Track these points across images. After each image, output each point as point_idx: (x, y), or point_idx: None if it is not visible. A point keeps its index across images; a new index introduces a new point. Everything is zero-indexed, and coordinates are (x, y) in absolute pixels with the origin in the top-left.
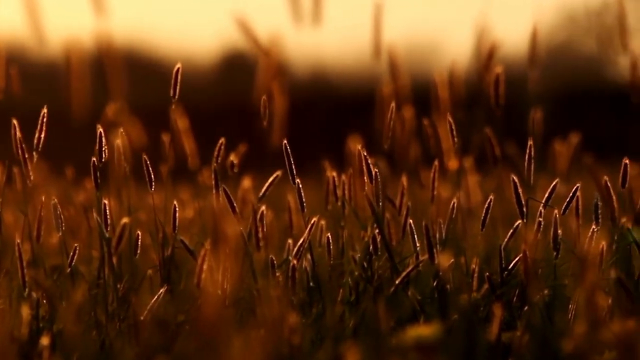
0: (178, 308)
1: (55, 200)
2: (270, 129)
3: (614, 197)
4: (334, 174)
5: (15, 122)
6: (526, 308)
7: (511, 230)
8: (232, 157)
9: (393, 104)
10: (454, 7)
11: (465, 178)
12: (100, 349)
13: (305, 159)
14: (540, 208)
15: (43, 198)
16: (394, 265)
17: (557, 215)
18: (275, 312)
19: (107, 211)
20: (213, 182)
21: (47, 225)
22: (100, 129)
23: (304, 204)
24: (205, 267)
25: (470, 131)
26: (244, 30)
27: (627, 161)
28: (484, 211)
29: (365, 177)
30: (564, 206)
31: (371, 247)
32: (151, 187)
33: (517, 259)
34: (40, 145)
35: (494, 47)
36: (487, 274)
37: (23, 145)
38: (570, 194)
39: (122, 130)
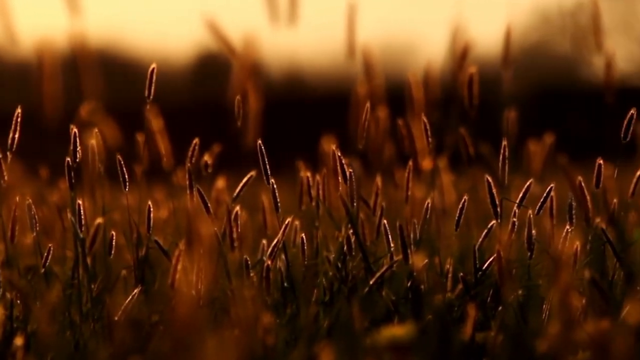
0: (152, 308)
1: (30, 200)
2: (245, 129)
3: (588, 198)
4: (308, 174)
5: None
6: (500, 308)
7: (485, 231)
8: (206, 157)
9: (368, 104)
10: (429, 7)
11: (440, 178)
12: (75, 349)
13: (280, 159)
14: (515, 208)
15: (17, 198)
16: (368, 266)
17: (531, 216)
18: (250, 312)
19: (82, 211)
20: (187, 183)
21: (21, 225)
22: (74, 129)
23: (278, 204)
24: (179, 267)
25: (444, 131)
26: (213, 32)
27: (601, 161)
28: (458, 211)
29: (339, 177)
30: (538, 206)
31: (345, 248)
32: (125, 187)
33: (491, 259)
34: (15, 146)
35: (468, 47)
36: (461, 274)
37: None
38: (545, 194)
39: (96, 130)
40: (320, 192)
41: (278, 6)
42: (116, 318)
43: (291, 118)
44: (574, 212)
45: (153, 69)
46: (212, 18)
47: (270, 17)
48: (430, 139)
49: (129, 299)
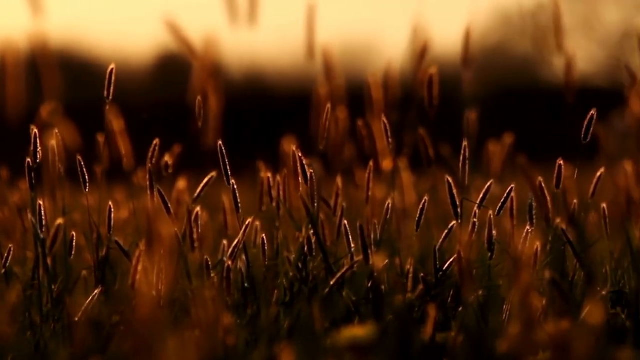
0: (113, 309)
1: None
2: (205, 129)
3: (549, 198)
4: (269, 174)
5: None
6: (461, 309)
7: (446, 231)
8: (167, 158)
9: (328, 105)
10: (389, 7)
11: (400, 178)
12: (35, 350)
13: (241, 160)
14: (475, 209)
15: None
16: (328, 266)
17: (492, 216)
18: (210, 313)
19: (42, 212)
20: (148, 183)
21: None
22: (34, 130)
23: (239, 205)
24: (140, 268)
25: (404, 132)
26: (173, 32)
27: (561, 162)
28: (418, 212)
29: (300, 178)
30: (498, 207)
31: (306, 248)
32: (86, 188)
33: (451, 260)
34: None
35: (428, 48)
36: (422, 274)
37: None
38: (505, 195)
39: (56, 131)
40: (281, 192)
41: (238, 7)
42: (77, 319)
43: (252, 119)
44: (534, 212)
45: (112, 69)
46: (172, 18)
47: (229, 17)
48: (390, 140)
49: (89, 300)
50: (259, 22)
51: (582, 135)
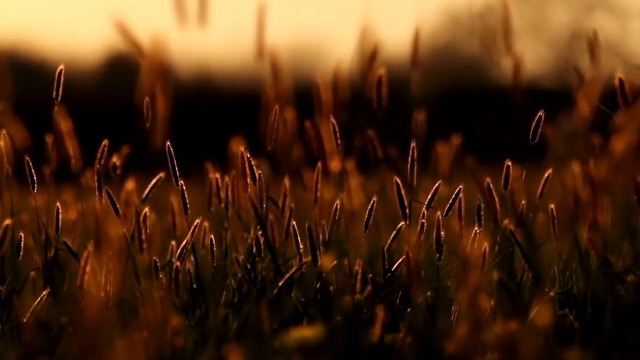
0: (61, 310)
1: None
2: (153, 130)
3: (497, 199)
4: (217, 175)
5: None
6: (409, 309)
7: (394, 232)
8: (115, 159)
9: (277, 106)
10: (338, 8)
11: (348, 180)
12: None
13: (189, 161)
14: (423, 210)
15: None
16: (277, 267)
17: (440, 217)
18: (158, 313)
19: None
20: (96, 184)
21: None
22: None
23: (187, 206)
24: (88, 268)
25: (353, 133)
26: (122, 33)
27: (509, 163)
28: (367, 213)
29: (248, 179)
30: (446, 208)
31: (254, 249)
32: (34, 189)
33: (400, 261)
34: None
35: (377, 49)
36: (370, 275)
37: None
38: (453, 196)
39: (4, 131)
40: (229, 193)
41: (187, 7)
42: (25, 320)
43: (200, 119)
44: (482, 213)
45: (61, 70)
46: (120, 18)
47: (178, 18)
48: (338, 141)
49: (37, 301)
50: (209, 22)
51: (530, 136)
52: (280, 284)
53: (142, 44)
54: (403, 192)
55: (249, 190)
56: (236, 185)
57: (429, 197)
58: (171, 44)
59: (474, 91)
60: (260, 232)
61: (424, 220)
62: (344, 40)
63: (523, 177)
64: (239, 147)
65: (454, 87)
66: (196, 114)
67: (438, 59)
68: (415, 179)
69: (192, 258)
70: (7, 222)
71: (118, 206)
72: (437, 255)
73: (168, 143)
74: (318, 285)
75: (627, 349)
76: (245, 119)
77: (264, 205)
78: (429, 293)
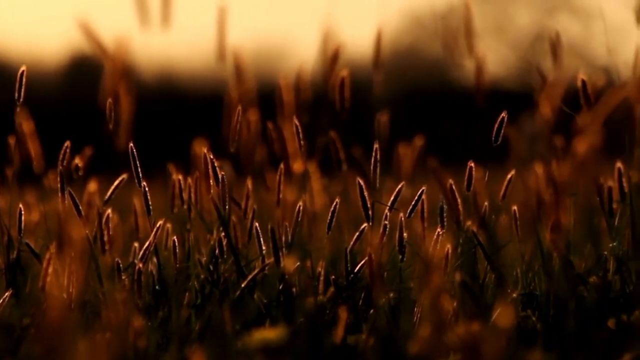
0: (23, 311)
1: None
2: (116, 131)
3: (459, 201)
4: (180, 177)
5: None
6: (372, 311)
7: (357, 234)
8: (77, 160)
9: (239, 107)
10: (300, 10)
11: (311, 181)
12: None
13: (152, 162)
14: (386, 211)
15: None
16: (239, 269)
17: (403, 218)
18: (121, 315)
19: None
20: (58, 185)
21: None
22: None
23: (150, 207)
24: (50, 270)
25: (315, 134)
26: (86, 33)
27: (472, 164)
28: (329, 214)
29: (211, 180)
30: (409, 209)
31: (217, 251)
32: None
33: (362, 262)
34: None
35: (339, 50)
36: (333, 277)
37: None
38: (416, 197)
39: None
40: (192, 195)
41: (149, 9)
42: None
43: (163, 121)
44: (445, 215)
45: (23, 71)
46: (84, 19)
47: (141, 19)
48: (301, 142)
49: None
50: (171, 24)
51: (493, 138)
52: (242, 285)
53: (105, 45)
54: (366, 193)
55: (211, 191)
56: (199, 187)
57: (392, 198)
58: (134, 45)
59: (436, 93)
60: (222, 234)
61: (386, 222)
62: (306, 42)
63: (486, 179)
64: (201, 149)
65: (417, 89)
66: (159, 115)
67: (400, 61)
68: (378, 181)
69: (154, 259)
70: None
71: (80, 207)
72: (400, 257)
73: (131, 144)
74: (281, 287)
75: (589, 350)
76: (208, 120)
77: (227, 207)
78: (391, 294)
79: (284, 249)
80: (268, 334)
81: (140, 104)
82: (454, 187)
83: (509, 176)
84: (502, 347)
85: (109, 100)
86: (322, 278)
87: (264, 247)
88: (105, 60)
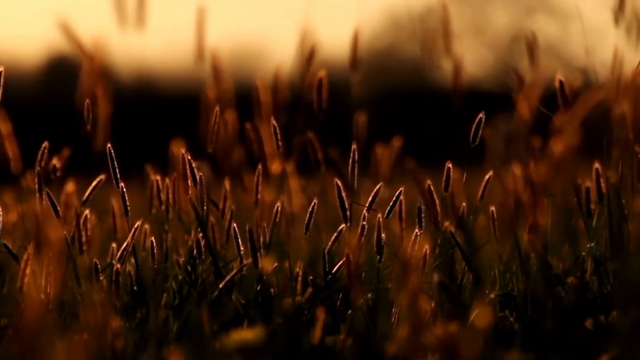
0: (1, 312)
1: None
2: (94, 132)
3: (437, 201)
4: (158, 177)
5: None
6: (350, 311)
7: (335, 234)
8: (55, 161)
9: (217, 108)
10: (279, 10)
11: (289, 182)
12: None
13: (130, 163)
14: (364, 212)
15: None
16: (217, 269)
17: (381, 219)
18: (99, 316)
19: None
20: (36, 186)
21: None
22: None
23: (128, 208)
24: (28, 271)
25: (293, 135)
26: (66, 33)
27: (449, 165)
28: (307, 215)
29: (189, 181)
30: (387, 210)
31: (195, 251)
32: None
33: (340, 263)
34: None
35: (316, 51)
36: (311, 277)
37: None
38: (394, 198)
39: None
40: (170, 195)
41: (126, 9)
42: None
43: (141, 121)
44: (423, 215)
45: (0, 71)
46: (63, 19)
47: (117, 20)
48: (279, 143)
49: None
50: (148, 24)
51: (471, 139)
52: (220, 286)
53: (83, 45)
54: (344, 194)
55: (189, 192)
56: (177, 188)
57: (370, 199)
58: (112, 45)
59: (414, 93)
60: (200, 234)
61: (364, 223)
62: (284, 42)
63: (463, 179)
64: (179, 149)
65: (395, 89)
66: (137, 116)
67: (378, 61)
68: (355, 181)
69: (132, 260)
70: None
71: (58, 208)
72: (378, 258)
73: (109, 145)
74: (259, 288)
75: (567, 351)
76: (186, 120)
77: (205, 208)
78: (369, 295)
79: (262, 250)
80: (246, 334)
81: (118, 105)
82: (431, 187)
83: (486, 177)
84: (480, 348)
85: (87, 100)
86: (300, 279)
87: (242, 248)
88: (83, 61)
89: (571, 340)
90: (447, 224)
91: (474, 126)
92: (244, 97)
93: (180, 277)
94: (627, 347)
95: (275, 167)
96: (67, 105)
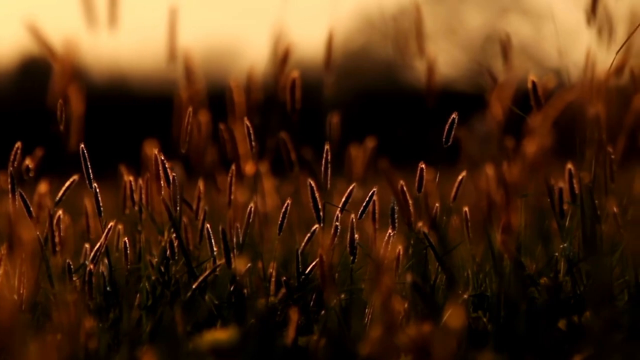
0: None
1: None
2: (67, 133)
3: (410, 202)
4: (131, 178)
5: None
6: (323, 312)
7: (308, 235)
8: (28, 162)
9: (190, 108)
10: (252, 10)
11: (262, 182)
12: None
13: (103, 163)
14: (337, 212)
15: None
16: (191, 270)
17: (354, 220)
18: (72, 316)
19: None
20: (9, 187)
21: None
22: None
23: (101, 209)
24: (1, 271)
25: (266, 136)
26: (34, 35)
27: (423, 165)
28: (281, 215)
29: (162, 182)
30: (360, 210)
31: (168, 252)
32: None
33: (314, 264)
34: None
35: (290, 52)
36: (284, 278)
37: None
38: (367, 199)
39: None
40: (143, 196)
41: (96, 9)
42: None
43: (114, 122)
44: (396, 216)
45: None
46: (32, 21)
47: (87, 20)
48: (252, 143)
49: None
50: (119, 25)
51: (444, 139)
52: (194, 286)
53: (54, 46)
54: (317, 194)
55: (162, 193)
56: (150, 188)
57: (343, 199)
58: (83, 46)
59: (387, 94)
60: (174, 235)
61: (337, 223)
62: (257, 43)
63: (437, 180)
64: (152, 150)
65: (368, 90)
66: (110, 116)
67: (352, 62)
68: (329, 182)
69: (105, 261)
70: None
71: (31, 209)
72: (351, 258)
73: (82, 145)
74: (232, 288)
75: (540, 351)
76: (159, 121)
77: (178, 208)
78: (342, 295)
79: (235, 250)
80: (219, 335)
81: (91, 105)
82: (405, 188)
83: (459, 177)
84: (453, 349)
85: (60, 101)
86: (273, 279)
87: (215, 249)
88: (53, 62)
89: (544, 341)
90: (420, 224)
91: (447, 127)
92: (217, 98)
93: (153, 278)
94: (600, 348)
95: (248, 167)
96: (40, 105)
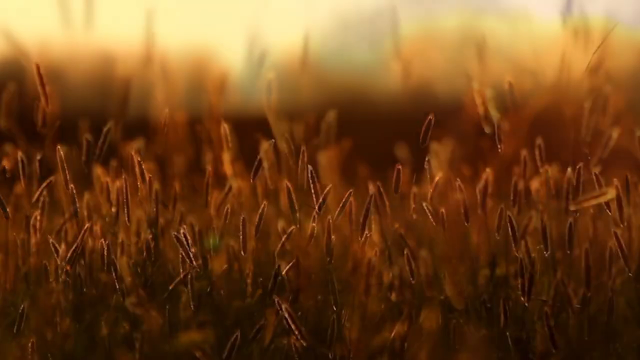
0: None
1: None
2: (44, 134)
3: (387, 203)
4: (108, 179)
5: None
6: (300, 313)
7: (285, 236)
8: (4, 162)
9: (167, 111)
10: (229, 12)
11: (239, 183)
12: None
13: (79, 164)
14: (314, 213)
15: None
16: (167, 271)
17: (331, 221)
18: (48, 318)
19: None
20: None
21: None
22: None
23: (78, 209)
24: None
25: (243, 137)
26: (6, 38)
27: (399, 167)
28: (257, 217)
29: (139, 183)
30: (337, 212)
31: (145, 253)
32: None
33: (290, 265)
34: None
35: (265, 54)
36: (261, 279)
37: None
38: (344, 200)
39: None
40: (120, 197)
41: (71, 11)
42: None
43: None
44: (372, 217)
45: None
46: (4, 24)
47: (63, 22)
48: (229, 145)
49: None
50: (95, 27)
51: (420, 140)
52: (170, 287)
53: (28, 49)
54: (294, 195)
55: (140, 193)
56: (127, 189)
57: (320, 200)
58: (59, 47)
59: (363, 95)
60: (150, 236)
61: (314, 224)
62: (234, 45)
63: (413, 181)
64: (129, 150)
65: (344, 91)
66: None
67: (328, 63)
68: (306, 183)
69: (82, 262)
70: None
71: (7, 210)
72: (328, 259)
73: (58, 147)
74: (209, 289)
75: (517, 352)
76: (136, 122)
77: (155, 209)
78: (319, 297)
79: (211, 252)
80: (196, 336)
81: (68, 106)
82: (381, 189)
83: (436, 178)
84: (429, 350)
85: (37, 102)
86: (250, 280)
87: (192, 250)
88: (27, 64)
89: (520, 341)
90: (397, 225)
91: (423, 128)
92: (194, 99)
93: (130, 279)
94: (577, 347)
95: (225, 168)
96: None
